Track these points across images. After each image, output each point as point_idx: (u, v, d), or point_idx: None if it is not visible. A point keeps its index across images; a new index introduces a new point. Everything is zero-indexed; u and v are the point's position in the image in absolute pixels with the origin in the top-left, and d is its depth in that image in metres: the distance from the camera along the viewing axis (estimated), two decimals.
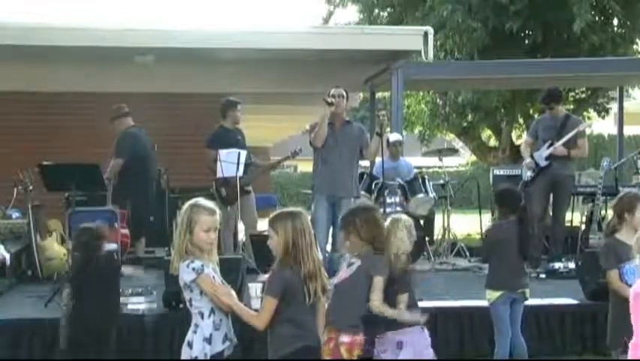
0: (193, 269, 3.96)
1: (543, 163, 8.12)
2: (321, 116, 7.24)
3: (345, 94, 7.37)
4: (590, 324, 6.16)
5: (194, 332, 4.02)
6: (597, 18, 12.01)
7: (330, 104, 7.16)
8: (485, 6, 12.48)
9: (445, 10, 12.22)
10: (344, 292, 4.24)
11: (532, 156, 8.24)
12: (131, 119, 8.58)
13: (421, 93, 15.84)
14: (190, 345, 4.00)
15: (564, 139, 8.02)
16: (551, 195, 8.28)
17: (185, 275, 3.98)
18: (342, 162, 7.23)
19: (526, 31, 13.12)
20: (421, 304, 6.01)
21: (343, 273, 4.32)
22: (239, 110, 8.39)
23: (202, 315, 4.01)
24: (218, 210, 4.13)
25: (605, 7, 12.20)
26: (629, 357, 3.55)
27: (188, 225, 4.02)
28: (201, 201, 4.13)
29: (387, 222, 4.50)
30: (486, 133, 17.56)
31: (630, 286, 4.33)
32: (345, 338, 4.10)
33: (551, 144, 8.07)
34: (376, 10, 14.66)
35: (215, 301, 3.98)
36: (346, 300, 4.22)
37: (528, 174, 8.26)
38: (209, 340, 4.00)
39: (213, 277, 4.05)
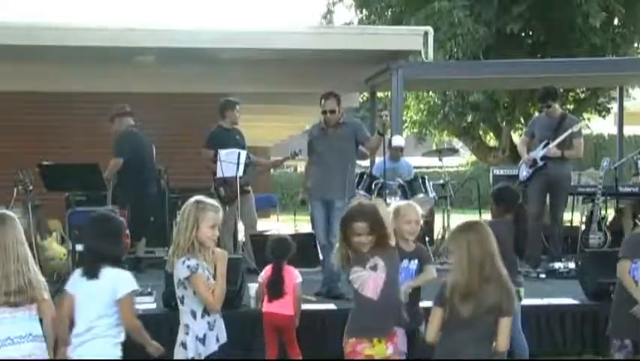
0: (188, 267, 3.98)
1: (539, 163, 8.13)
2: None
3: (336, 105, 7.26)
4: (590, 324, 6.15)
5: (187, 333, 4.03)
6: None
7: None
8: (489, 9, 12.49)
9: (456, 16, 12.21)
10: (387, 297, 3.95)
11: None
12: (131, 119, 8.58)
13: (424, 93, 15.84)
14: (184, 346, 4.00)
15: (558, 140, 8.01)
16: (548, 196, 8.28)
17: (181, 272, 4.00)
18: (335, 164, 7.20)
19: (528, 32, 13.13)
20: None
21: (373, 279, 3.94)
22: (237, 110, 8.39)
23: (194, 314, 4.02)
24: (220, 208, 4.17)
25: (608, 8, 12.22)
26: None
27: (194, 221, 4.03)
28: (204, 198, 4.16)
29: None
30: (486, 133, 17.57)
31: (636, 281, 4.57)
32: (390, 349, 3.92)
33: (547, 144, 8.07)
34: (378, 11, 14.67)
35: (206, 302, 4.00)
36: (388, 304, 3.97)
37: (524, 174, 8.26)
38: (202, 340, 4.00)
39: (207, 278, 4.06)
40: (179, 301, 4.10)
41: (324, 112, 7.15)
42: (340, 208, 6.78)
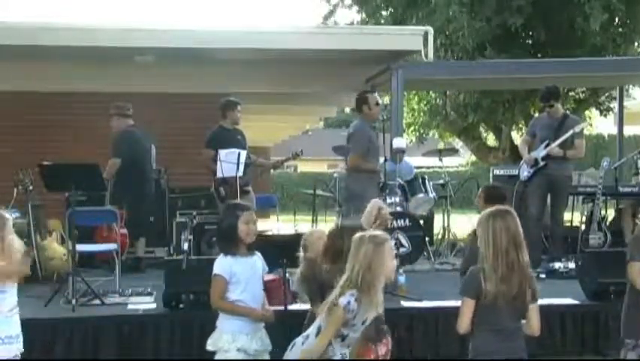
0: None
1: (540, 163, 8.13)
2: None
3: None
4: (590, 324, 6.15)
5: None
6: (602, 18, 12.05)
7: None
8: (488, 4, 12.46)
9: (451, 10, 12.20)
10: None
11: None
12: (131, 120, 8.57)
13: (425, 94, 15.82)
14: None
15: (560, 140, 8.02)
16: (549, 196, 8.28)
17: None
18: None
19: (528, 32, 13.12)
20: (421, 304, 6.05)
21: None
22: (239, 110, 8.39)
23: None
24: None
25: (610, 7, 12.21)
26: None
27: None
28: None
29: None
30: (486, 133, 17.55)
31: None
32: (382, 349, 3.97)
33: (548, 144, 8.08)
34: (379, 11, 14.66)
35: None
36: None
37: (525, 174, 8.26)
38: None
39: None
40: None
41: (377, 104, 7.27)
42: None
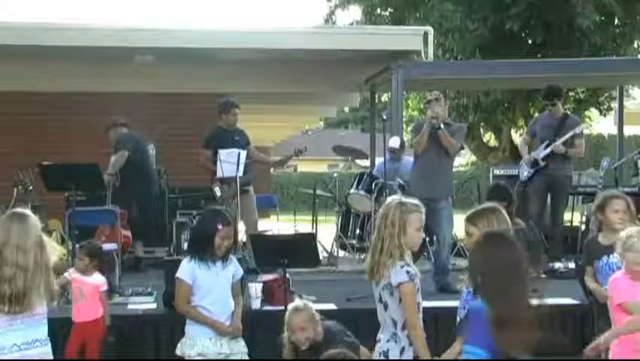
0: (407, 273, 3.81)
1: (541, 163, 8.14)
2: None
3: (441, 97, 7.36)
4: (590, 324, 6.14)
5: (395, 341, 3.85)
6: (598, 18, 12.04)
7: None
8: (485, 5, 12.47)
9: (446, 9, 12.20)
10: None
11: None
12: (125, 128, 8.56)
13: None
14: (385, 355, 3.84)
15: (561, 140, 8.03)
16: (549, 196, 8.28)
17: (398, 276, 3.83)
18: (437, 163, 7.27)
19: (527, 31, 13.12)
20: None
21: None
22: (234, 113, 8.25)
23: (395, 325, 3.83)
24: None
25: (606, 7, 12.21)
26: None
27: (402, 225, 3.92)
28: (406, 199, 4.06)
29: None
30: (486, 133, 17.55)
31: (598, 282, 4.77)
32: None
33: (549, 144, 8.09)
34: (378, 11, 14.66)
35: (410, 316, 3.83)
36: None
37: (525, 174, 8.27)
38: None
39: (418, 289, 3.91)
40: (381, 306, 3.88)
41: (428, 101, 7.35)
42: (443, 208, 7.11)
